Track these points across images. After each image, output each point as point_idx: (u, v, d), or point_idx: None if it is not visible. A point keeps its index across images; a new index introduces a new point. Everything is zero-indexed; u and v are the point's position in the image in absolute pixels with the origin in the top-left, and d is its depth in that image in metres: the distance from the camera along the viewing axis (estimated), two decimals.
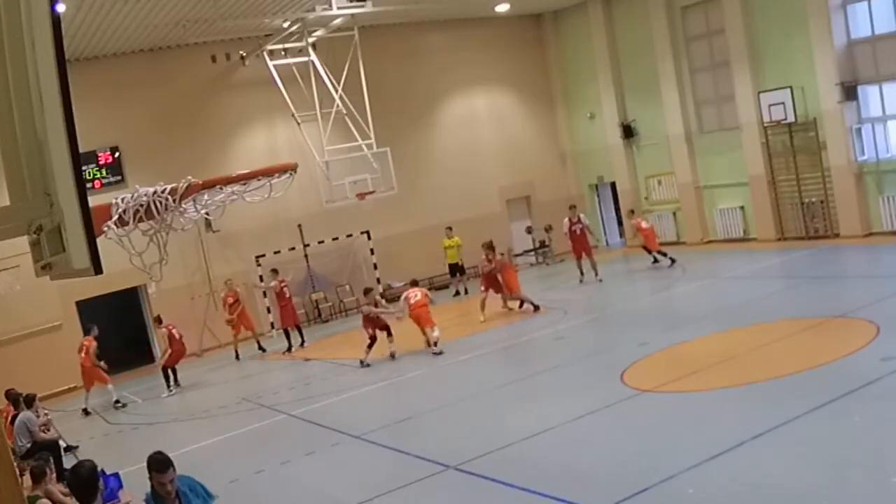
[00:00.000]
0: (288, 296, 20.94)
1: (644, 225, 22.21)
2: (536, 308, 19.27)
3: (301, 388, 16.68)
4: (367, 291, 17.55)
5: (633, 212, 24.01)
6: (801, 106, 21.10)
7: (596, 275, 21.57)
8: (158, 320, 19.88)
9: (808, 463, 8.24)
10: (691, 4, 23.93)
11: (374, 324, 17.08)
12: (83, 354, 17.87)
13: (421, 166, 25.92)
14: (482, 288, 19.94)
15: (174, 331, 19.12)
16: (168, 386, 18.64)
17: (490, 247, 19.92)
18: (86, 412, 17.74)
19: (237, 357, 20.80)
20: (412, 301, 17.08)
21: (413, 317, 17.14)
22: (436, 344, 16.78)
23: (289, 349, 20.51)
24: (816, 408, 9.52)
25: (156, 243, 8.16)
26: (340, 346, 20.30)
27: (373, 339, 16.99)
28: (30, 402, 13.47)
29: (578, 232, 21.71)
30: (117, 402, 17.82)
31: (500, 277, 19.63)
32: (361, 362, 16.91)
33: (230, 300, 21.02)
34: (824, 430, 8.96)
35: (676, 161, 25.04)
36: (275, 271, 21.42)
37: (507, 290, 19.75)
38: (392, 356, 16.98)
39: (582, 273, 21.88)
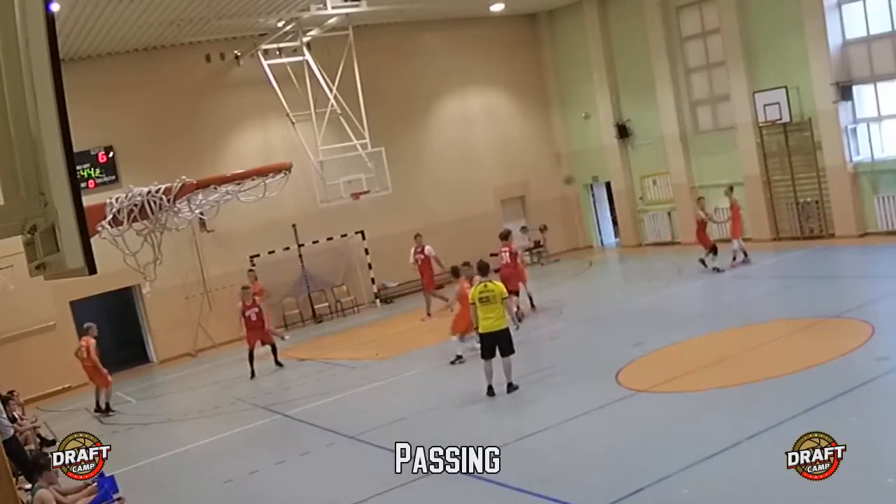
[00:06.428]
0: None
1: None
2: None
3: (296, 388, 16.65)
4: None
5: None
6: (797, 106, 21.13)
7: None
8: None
9: None
10: (686, 4, 23.94)
11: None
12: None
13: (415, 166, 25.89)
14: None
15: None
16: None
17: None
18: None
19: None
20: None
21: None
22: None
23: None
24: (812, 408, 9.53)
25: (150, 243, 8.12)
26: (335, 346, 20.29)
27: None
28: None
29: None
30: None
31: None
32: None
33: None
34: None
35: (671, 161, 25.05)
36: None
37: None
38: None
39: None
